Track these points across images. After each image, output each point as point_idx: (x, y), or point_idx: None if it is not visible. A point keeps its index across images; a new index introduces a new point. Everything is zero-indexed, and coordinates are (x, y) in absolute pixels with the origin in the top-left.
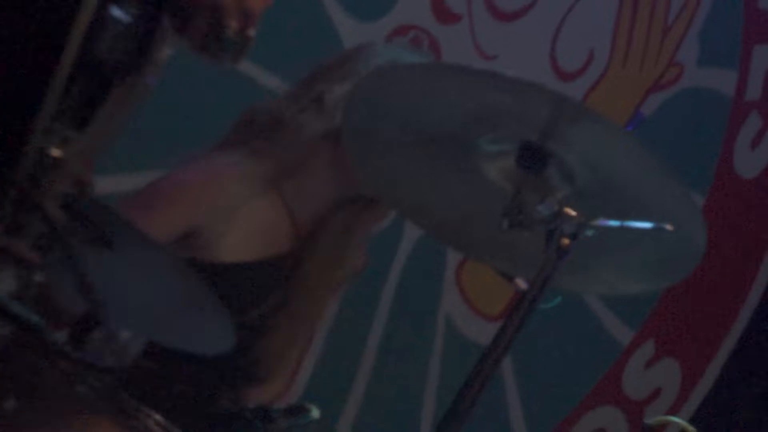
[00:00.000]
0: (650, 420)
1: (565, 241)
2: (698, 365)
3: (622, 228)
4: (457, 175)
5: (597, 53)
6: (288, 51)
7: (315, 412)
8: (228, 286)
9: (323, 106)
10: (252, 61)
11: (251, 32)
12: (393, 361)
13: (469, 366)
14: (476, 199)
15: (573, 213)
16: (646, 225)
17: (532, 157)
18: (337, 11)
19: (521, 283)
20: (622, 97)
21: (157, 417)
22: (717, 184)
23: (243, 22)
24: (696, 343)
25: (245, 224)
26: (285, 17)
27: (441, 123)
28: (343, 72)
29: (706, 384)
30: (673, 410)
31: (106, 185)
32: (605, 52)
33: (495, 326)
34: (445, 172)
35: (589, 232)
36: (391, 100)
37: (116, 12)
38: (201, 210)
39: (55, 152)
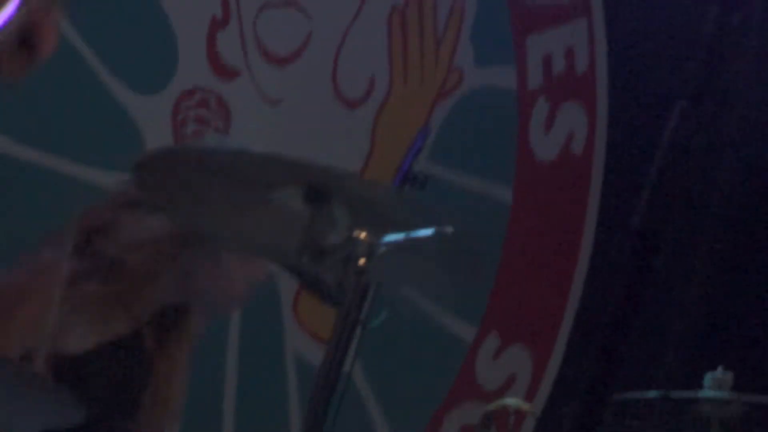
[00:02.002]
0: (489, 406)
1: (361, 261)
2: (545, 344)
3: (408, 239)
4: (262, 210)
5: (377, 76)
6: (79, 134)
7: None
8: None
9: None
10: (40, 149)
11: None
12: (253, 412)
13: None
14: (279, 231)
15: (362, 235)
16: (429, 232)
17: (315, 195)
18: (120, 89)
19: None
20: (411, 114)
21: None
22: (520, 172)
23: None
24: (538, 325)
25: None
26: (70, 102)
27: (231, 176)
28: None
29: (556, 360)
30: (532, 391)
31: None
32: (385, 74)
33: None
34: (252, 207)
35: (381, 249)
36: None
37: None
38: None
39: None
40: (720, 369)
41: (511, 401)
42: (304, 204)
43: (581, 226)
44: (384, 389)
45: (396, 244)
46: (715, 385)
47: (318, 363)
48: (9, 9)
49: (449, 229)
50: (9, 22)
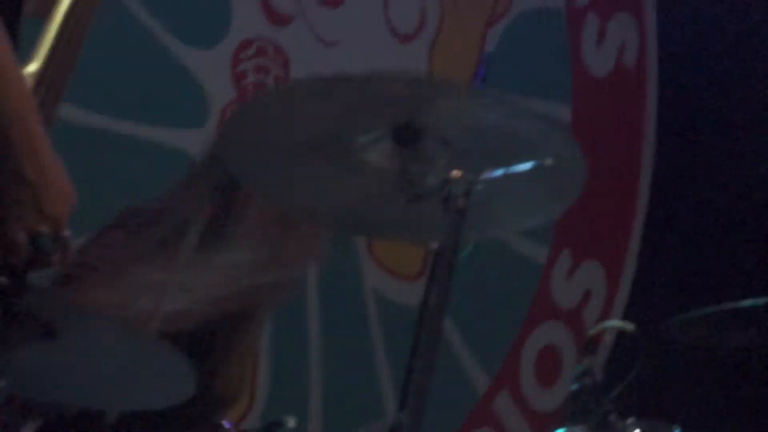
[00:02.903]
0: (591, 331)
1: (460, 201)
2: (616, 260)
3: (506, 175)
4: (343, 170)
5: (428, 9)
6: (142, 95)
7: (292, 422)
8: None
9: None
10: (105, 114)
11: (65, 233)
12: (338, 349)
13: (408, 327)
14: (367, 186)
15: (459, 174)
16: (528, 165)
17: (407, 135)
18: (177, 46)
19: (434, 244)
20: (465, 43)
21: None
22: (576, 90)
23: (53, 227)
24: (608, 241)
25: None
26: (129, 64)
27: (313, 131)
28: None
29: (629, 275)
30: (607, 306)
31: None
32: (435, 5)
33: (418, 284)
34: (331, 171)
35: (479, 187)
36: (264, 124)
37: None
38: None
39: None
40: None
41: (614, 323)
42: (393, 146)
43: (641, 139)
44: (462, 317)
45: (495, 180)
46: None
47: (397, 298)
48: None
49: (549, 161)
50: None
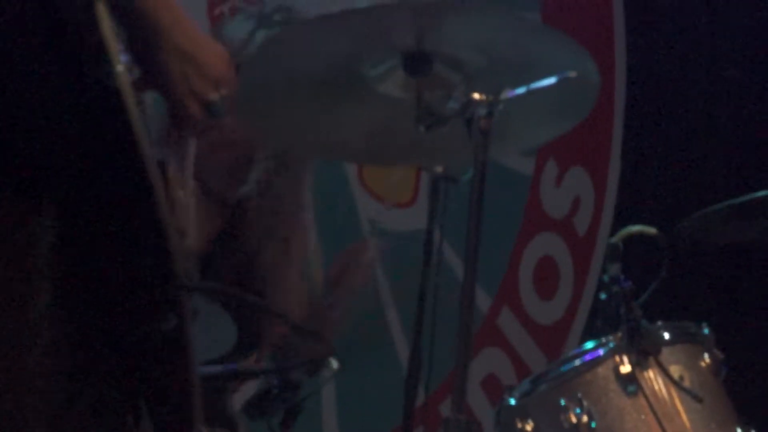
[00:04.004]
0: (614, 239)
1: (484, 122)
2: (600, 164)
3: (529, 92)
4: (357, 104)
5: None
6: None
7: (334, 364)
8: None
9: None
10: None
11: (224, 92)
12: None
13: (405, 254)
14: (381, 117)
15: (481, 96)
16: (551, 80)
17: (418, 62)
18: None
19: (439, 169)
20: None
21: None
22: None
23: (220, 89)
24: (590, 145)
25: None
26: None
27: (324, 67)
28: None
29: (614, 178)
30: (597, 212)
31: None
32: None
33: (414, 210)
34: (345, 106)
35: (501, 106)
36: (275, 66)
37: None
38: None
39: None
40: None
41: (636, 228)
42: (406, 76)
43: (612, 39)
44: (459, 239)
45: (518, 97)
46: None
47: (392, 226)
48: None
49: (573, 73)
50: None
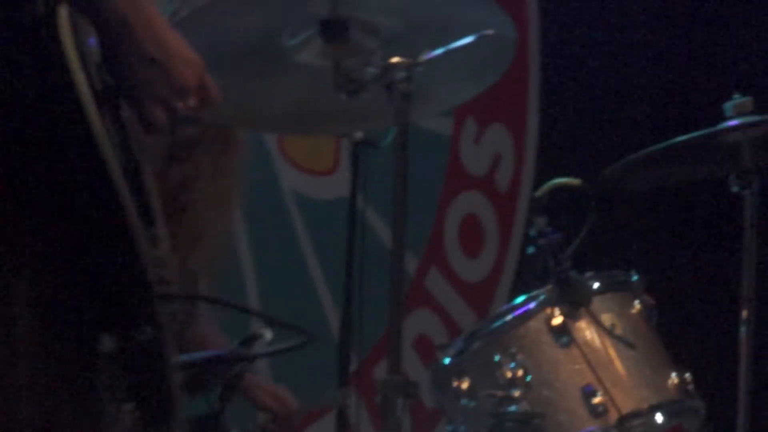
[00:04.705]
0: (538, 192)
1: (403, 86)
2: (518, 120)
3: (447, 52)
4: (277, 74)
5: None
6: None
7: (268, 335)
8: None
9: None
10: None
11: (193, 101)
12: (269, 257)
13: (329, 221)
14: (302, 86)
15: (399, 60)
16: (469, 39)
17: (334, 29)
18: None
19: (359, 135)
20: None
21: None
22: None
23: (187, 98)
24: (508, 102)
25: None
26: None
27: (243, 39)
28: None
29: (533, 133)
30: (517, 166)
31: None
32: None
33: (337, 177)
34: (266, 77)
35: (419, 69)
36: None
37: None
38: None
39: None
40: (736, 96)
41: (560, 180)
42: (324, 43)
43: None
44: (381, 202)
45: (436, 59)
46: (736, 111)
47: (315, 195)
48: None
49: (490, 32)
50: None
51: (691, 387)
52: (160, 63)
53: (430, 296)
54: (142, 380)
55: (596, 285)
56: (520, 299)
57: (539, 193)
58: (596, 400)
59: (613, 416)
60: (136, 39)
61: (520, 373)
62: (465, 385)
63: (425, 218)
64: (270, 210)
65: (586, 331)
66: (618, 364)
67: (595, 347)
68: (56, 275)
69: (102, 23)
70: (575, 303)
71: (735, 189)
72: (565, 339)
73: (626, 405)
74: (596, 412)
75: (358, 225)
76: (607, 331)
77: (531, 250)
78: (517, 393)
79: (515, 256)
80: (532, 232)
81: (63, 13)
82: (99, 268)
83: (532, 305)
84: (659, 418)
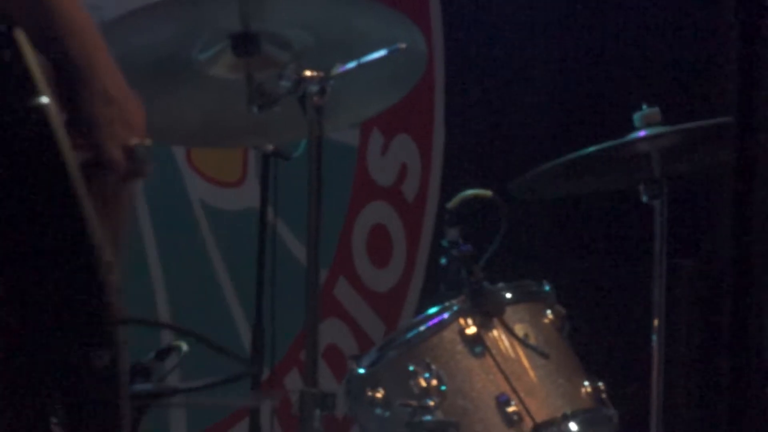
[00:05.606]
0: (450, 204)
1: (317, 99)
2: (424, 130)
3: (360, 66)
4: (189, 88)
5: None
6: None
7: (184, 347)
8: None
9: None
10: None
11: (146, 140)
12: (178, 268)
13: (238, 231)
14: (214, 100)
15: (312, 73)
16: (382, 53)
17: (245, 43)
18: None
19: (270, 147)
20: None
21: None
22: None
23: (140, 137)
24: (413, 112)
25: None
26: None
27: (155, 54)
28: None
29: (440, 144)
30: (424, 176)
31: None
32: None
33: (245, 188)
34: (178, 90)
35: (332, 82)
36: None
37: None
38: None
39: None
40: (645, 106)
41: (471, 192)
42: (235, 57)
43: (426, 2)
44: (289, 213)
45: (349, 72)
46: (645, 122)
47: (224, 206)
48: None
49: (403, 45)
50: None
51: (604, 395)
52: (118, 102)
53: (339, 306)
54: (93, 409)
55: (509, 295)
56: (433, 309)
57: (451, 204)
58: (510, 409)
59: (527, 425)
60: (99, 79)
61: (434, 382)
62: (379, 394)
63: (333, 228)
64: (179, 220)
65: (500, 340)
66: (532, 373)
67: (508, 357)
68: (11, 295)
69: (67, 62)
70: (488, 313)
71: (645, 199)
72: (478, 349)
73: (540, 414)
74: (511, 421)
75: (268, 236)
76: (520, 341)
77: (444, 260)
78: (431, 402)
79: (423, 265)
80: (445, 243)
81: (21, 35)
82: (60, 292)
83: (445, 315)
84: (573, 426)
